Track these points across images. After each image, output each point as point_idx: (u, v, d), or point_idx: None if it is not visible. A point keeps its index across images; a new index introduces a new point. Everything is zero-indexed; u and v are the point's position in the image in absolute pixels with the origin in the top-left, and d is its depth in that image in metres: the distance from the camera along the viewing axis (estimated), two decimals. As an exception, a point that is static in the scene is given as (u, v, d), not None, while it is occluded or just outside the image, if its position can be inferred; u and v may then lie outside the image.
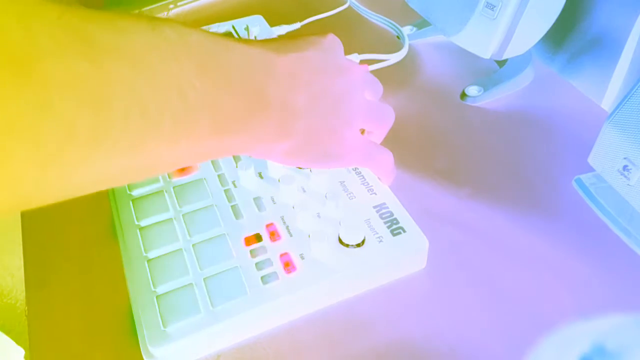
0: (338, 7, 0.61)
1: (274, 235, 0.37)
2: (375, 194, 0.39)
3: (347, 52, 0.52)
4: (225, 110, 0.27)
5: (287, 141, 0.31)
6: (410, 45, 0.57)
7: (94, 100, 0.21)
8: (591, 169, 0.41)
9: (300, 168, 0.41)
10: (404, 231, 0.37)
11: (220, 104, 0.27)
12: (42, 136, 0.19)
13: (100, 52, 0.21)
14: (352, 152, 0.35)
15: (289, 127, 0.31)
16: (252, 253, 0.36)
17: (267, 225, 0.37)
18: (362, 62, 0.53)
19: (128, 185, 0.40)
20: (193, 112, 0.25)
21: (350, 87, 0.34)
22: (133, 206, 0.39)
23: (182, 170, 0.41)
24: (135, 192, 0.40)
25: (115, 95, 0.21)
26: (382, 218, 0.37)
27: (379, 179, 0.40)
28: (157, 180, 0.41)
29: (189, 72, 0.25)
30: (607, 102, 0.51)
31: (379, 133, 0.40)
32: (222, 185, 0.40)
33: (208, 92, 0.25)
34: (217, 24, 0.57)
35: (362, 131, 0.37)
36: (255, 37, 0.53)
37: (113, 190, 0.41)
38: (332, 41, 0.35)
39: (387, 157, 0.38)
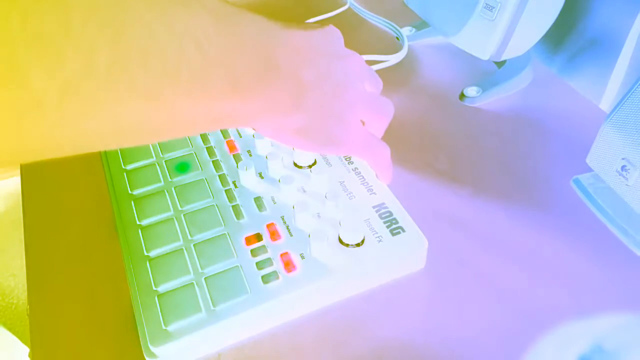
0: (338, 8, 0.62)
1: (274, 235, 0.37)
2: (375, 193, 0.39)
3: (347, 53, 0.53)
4: (240, 69, 0.27)
5: (298, 115, 0.31)
6: (409, 47, 0.58)
7: (113, 32, 0.21)
8: (589, 169, 0.41)
9: (299, 167, 0.41)
10: (404, 231, 0.37)
11: (235, 62, 0.27)
12: (62, 57, 0.19)
13: None
14: (354, 140, 0.35)
15: (300, 100, 0.31)
16: (253, 252, 0.36)
17: (268, 225, 0.38)
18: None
19: (129, 185, 0.41)
20: (209, 67, 0.25)
21: (351, 74, 0.34)
22: (134, 205, 0.39)
23: None
24: (137, 192, 0.40)
25: (134, 32, 0.21)
26: (381, 218, 0.38)
27: (377, 175, 0.40)
28: (158, 180, 0.41)
29: (206, 25, 0.25)
30: (606, 103, 0.52)
31: (379, 126, 0.40)
32: (222, 185, 0.41)
33: (223, 47, 0.26)
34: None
35: (362, 123, 0.38)
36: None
37: (114, 189, 0.41)
38: (333, 30, 0.35)
39: (385, 152, 0.39)
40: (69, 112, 0.21)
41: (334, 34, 0.35)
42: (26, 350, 1.10)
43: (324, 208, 0.38)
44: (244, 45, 0.27)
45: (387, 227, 0.37)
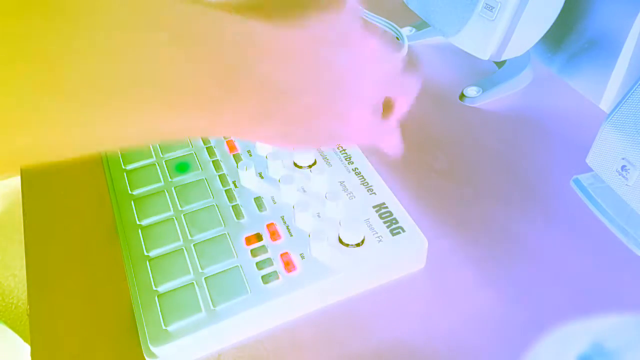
0: (338, 8, 0.62)
1: (274, 235, 0.37)
2: (375, 193, 0.39)
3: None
4: (204, 82, 0.26)
5: (275, 123, 0.29)
6: (409, 46, 0.58)
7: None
8: (589, 169, 0.41)
9: (299, 167, 0.41)
10: (404, 231, 0.37)
11: (200, 74, 0.25)
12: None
13: None
14: (358, 134, 0.33)
15: (276, 107, 0.29)
16: (253, 253, 0.36)
17: (268, 225, 0.38)
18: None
19: (129, 185, 0.41)
20: (172, 80, 0.24)
21: (360, 62, 0.32)
22: (134, 205, 0.39)
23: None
24: (137, 192, 0.40)
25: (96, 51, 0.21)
26: (381, 218, 0.38)
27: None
28: (158, 180, 0.41)
29: (162, 39, 0.24)
30: (606, 103, 0.52)
31: (398, 107, 0.37)
32: (223, 185, 0.41)
33: (187, 59, 0.24)
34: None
35: (389, 101, 0.36)
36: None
37: (114, 189, 0.41)
38: (348, 11, 0.31)
39: (394, 138, 0.36)
40: (33, 124, 0.21)
41: (347, 16, 0.31)
42: (28, 348, 1.10)
43: (324, 208, 0.38)
44: (210, 55, 0.26)
45: (387, 227, 0.37)
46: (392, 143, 0.37)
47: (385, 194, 0.39)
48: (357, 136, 0.33)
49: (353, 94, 0.31)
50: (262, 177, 0.41)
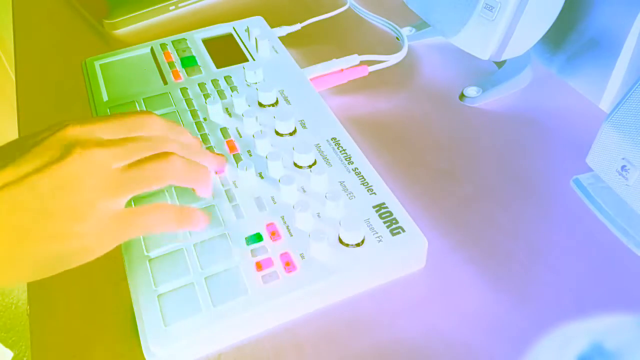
0: (338, 8, 0.62)
1: (274, 235, 0.37)
2: (375, 193, 0.39)
3: (348, 52, 0.53)
4: None
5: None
6: (409, 47, 0.58)
7: None
8: (589, 169, 0.41)
9: (299, 167, 0.41)
10: (404, 231, 0.37)
11: None
12: None
13: None
14: (101, 237, 0.31)
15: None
16: (253, 252, 0.36)
17: (268, 225, 0.38)
18: (362, 62, 0.53)
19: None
20: None
21: (69, 177, 0.30)
22: (134, 206, 0.39)
23: None
24: (137, 192, 0.40)
25: None
26: (381, 218, 0.38)
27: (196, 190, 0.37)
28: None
29: None
30: (606, 103, 0.52)
31: (200, 193, 0.37)
32: (222, 185, 0.41)
33: None
34: (217, 25, 0.57)
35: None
36: (255, 39, 0.53)
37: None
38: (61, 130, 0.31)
39: (159, 214, 0.33)
40: None
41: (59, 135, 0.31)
42: (10, 354, 1.10)
43: (324, 208, 0.38)
44: None
45: (387, 227, 0.37)
46: (157, 220, 0.33)
47: (385, 194, 0.39)
48: (99, 242, 0.31)
49: (67, 210, 0.30)
50: (262, 177, 0.41)
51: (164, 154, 0.33)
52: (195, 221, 0.35)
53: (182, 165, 0.34)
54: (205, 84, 0.50)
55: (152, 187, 0.33)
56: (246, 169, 0.40)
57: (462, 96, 0.52)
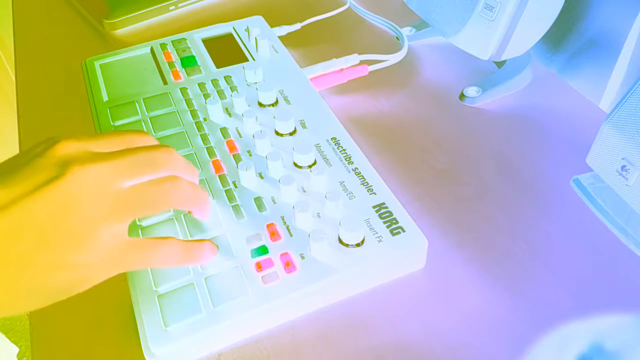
0: (338, 8, 0.62)
1: (274, 235, 0.37)
2: (375, 193, 0.39)
3: (347, 52, 0.53)
4: None
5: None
6: (409, 46, 0.58)
7: None
8: (589, 169, 0.41)
9: (299, 167, 0.41)
10: (404, 231, 0.37)
11: None
12: None
13: None
14: (102, 268, 0.30)
15: None
16: (253, 253, 0.36)
17: (268, 225, 0.38)
18: (362, 62, 0.53)
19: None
20: None
21: (67, 199, 0.28)
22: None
23: None
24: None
25: None
26: (381, 218, 0.38)
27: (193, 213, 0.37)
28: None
29: None
30: (606, 103, 0.52)
31: (198, 215, 0.37)
32: (222, 185, 0.41)
33: None
34: (217, 25, 0.57)
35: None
36: (255, 39, 0.53)
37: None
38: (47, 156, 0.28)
39: (166, 250, 0.32)
40: None
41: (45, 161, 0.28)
42: (15, 350, 1.09)
43: (324, 208, 0.38)
44: None
45: (387, 227, 0.37)
46: (163, 255, 0.32)
47: (385, 194, 0.39)
48: (102, 269, 0.30)
49: (68, 236, 0.28)
50: (262, 177, 0.41)
51: (171, 177, 0.32)
52: (203, 257, 0.34)
53: (188, 190, 0.33)
54: (205, 83, 0.50)
55: (157, 211, 0.32)
56: (246, 169, 0.40)
57: (462, 96, 0.52)
